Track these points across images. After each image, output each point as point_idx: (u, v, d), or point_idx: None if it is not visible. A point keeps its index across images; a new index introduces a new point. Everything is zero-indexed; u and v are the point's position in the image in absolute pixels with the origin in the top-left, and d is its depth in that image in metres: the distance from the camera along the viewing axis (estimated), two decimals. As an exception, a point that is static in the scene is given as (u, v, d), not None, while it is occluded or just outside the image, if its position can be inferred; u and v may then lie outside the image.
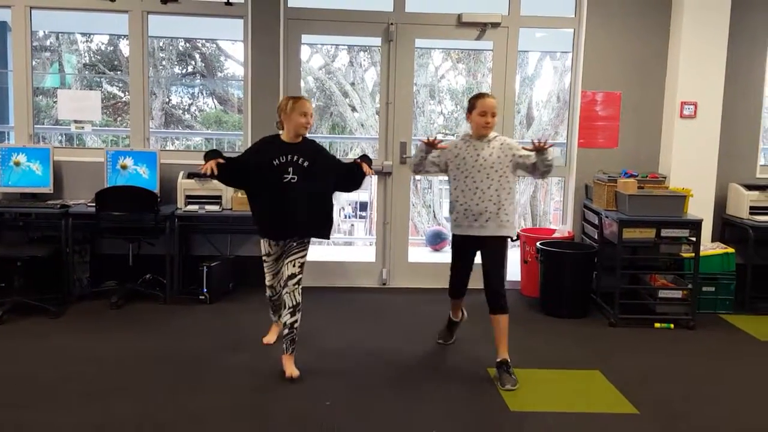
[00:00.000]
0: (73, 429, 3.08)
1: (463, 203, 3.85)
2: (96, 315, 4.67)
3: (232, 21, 5.40)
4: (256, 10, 5.25)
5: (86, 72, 11.48)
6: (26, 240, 5.16)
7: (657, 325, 4.70)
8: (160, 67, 11.68)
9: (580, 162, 5.49)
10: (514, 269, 5.66)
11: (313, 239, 3.84)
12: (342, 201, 10.85)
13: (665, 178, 5.19)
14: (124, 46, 10.75)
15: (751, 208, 5.19)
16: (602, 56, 5.40)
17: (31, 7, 5.22)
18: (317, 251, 6.09)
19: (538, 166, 3.75)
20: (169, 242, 4.90)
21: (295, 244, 3.72)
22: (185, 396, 3.43)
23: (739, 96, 5.41)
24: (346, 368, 3.85)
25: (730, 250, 5.12)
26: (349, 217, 11.33)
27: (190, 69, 12.19)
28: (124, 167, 5.10)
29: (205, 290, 4.96)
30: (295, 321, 3.70)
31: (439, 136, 4.13)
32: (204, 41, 11.58)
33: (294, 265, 3.69)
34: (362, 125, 11.36)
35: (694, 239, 4.72)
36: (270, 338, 4.20)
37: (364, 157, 3.81)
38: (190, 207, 4.98)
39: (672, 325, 4.70)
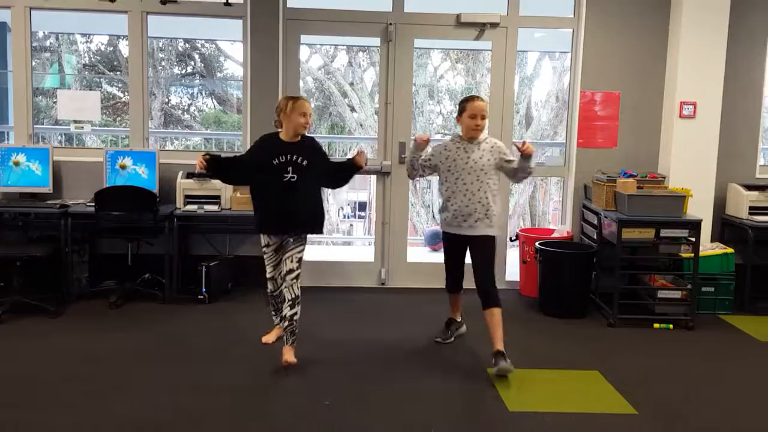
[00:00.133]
0: (72, 429, 3.08)
1: (454, 203, 3.97)
2: (95, 315, 4.67)
3: (231, 21, 5.40)
4: (255, 10, 5.25)
5: (86, 72, 11.48)
6: (25, 240, 5.16)
7: (656, 325, 4.70)
8: (160, 68, 11.68)
9: (579, 162, 5.49)
10: (513, 269, 5.66)
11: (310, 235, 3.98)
12: (341, 201, 10.86)
13: (664, 178, 5.19)
14: (124, 47, 10.75)
15: (751, 208, 5.19)
16: (601, 56, 5.40)
17: (30, 8, 5.22)
18: (316, 251, 6.10)
19: (518, 172, 3.92)
20: (168, 242, 4.90)
21: (292, 239, 3.83)
22: (184, 396, 3.43)
23: (739, 96, 5.41)
24: (345, 369, 3.85)
25: (730, 250, 5.12)
26: (348, 217, 11.34)
27: (189, 69, 12.19)
28: (123, 167, 5.10)
29: (204, 290, 4.96)
30: (295, 313, 3.82)
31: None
32: (203, 41, 11.58)
33: (292, 261, 3.81)
34: (361, 125, 11.36)
35: (693, 239, 4.72)
36: (269, 338, 4.21)
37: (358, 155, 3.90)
38: (189, 207, 4.98)
39: (671, 326, 4.70)
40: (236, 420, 3.19)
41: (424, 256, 6.76)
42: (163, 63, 11.77)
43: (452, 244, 4.12)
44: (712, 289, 5.05)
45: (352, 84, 11.53)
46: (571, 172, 5.56)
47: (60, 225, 4.81)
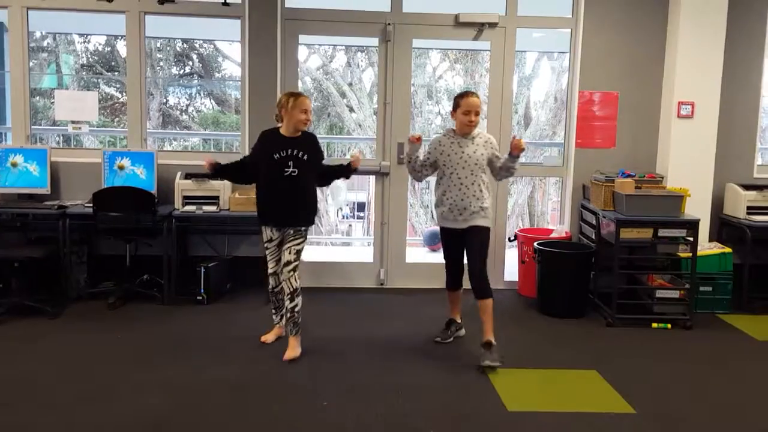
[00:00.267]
0: (71, 429, 3.08)
1: (449, 197, 4.04)
2: (93, 316, 4.67)
3: (229, 21, 5.40)
4: (253, 10, 5.25)
5: (83, 73, 11.47)
6: (23, 241, 5.15)
7: (654, 325, 4.71)
8: (158, 68, 11.68)
9: (578, 162, 5.49)
10: (512, 269, 5.67)
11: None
12: (340, 201, 10.85)
13: (663, 178, 5.20)
14: (122, 47, 10.75)
15: (748, 208, 5.20)
16: (599, 56, 5.40)
17: (28, 8, 5.21)
18: (315, 252, 6.10)
19: (502, 170, 4.03)
20: (167, 243, 4.90)
21: (292, 231, 3.93)
22: (184, 396, 3.43)
23: (737, 96, 5.42)
24: (344, 368, 3.85)
25: (728, 249, 5.13)
26: (347, 218, 11.34)
27: (187, 69, 12.18)
28: (121, 168, 5.10)
29: (203, 290, 4.95)
30: (296, 305, 3.92)
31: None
32: (201, 42, 11.57)
33: (290, 253, 3.91)
34: (360, 125, 11.36)
35: (691, 239, 4.73)
36: (268, 338, 4.22)
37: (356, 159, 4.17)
38: (188, 207, 4.98)
39: (669, 325, 4.70)
40: (235, 420, 3.19)
41: (423, 257, 6.76)
42: (161, 63, 11.77)
43: (450, 239, 4.16)
44: (710, 289, 5.06)
45: (350, 84, 11.53)
46: (570, 172, 5.57)
47: (58, 226, 4.81)
